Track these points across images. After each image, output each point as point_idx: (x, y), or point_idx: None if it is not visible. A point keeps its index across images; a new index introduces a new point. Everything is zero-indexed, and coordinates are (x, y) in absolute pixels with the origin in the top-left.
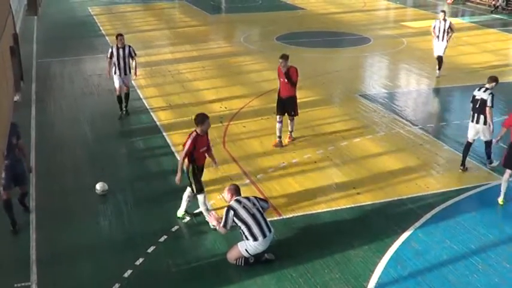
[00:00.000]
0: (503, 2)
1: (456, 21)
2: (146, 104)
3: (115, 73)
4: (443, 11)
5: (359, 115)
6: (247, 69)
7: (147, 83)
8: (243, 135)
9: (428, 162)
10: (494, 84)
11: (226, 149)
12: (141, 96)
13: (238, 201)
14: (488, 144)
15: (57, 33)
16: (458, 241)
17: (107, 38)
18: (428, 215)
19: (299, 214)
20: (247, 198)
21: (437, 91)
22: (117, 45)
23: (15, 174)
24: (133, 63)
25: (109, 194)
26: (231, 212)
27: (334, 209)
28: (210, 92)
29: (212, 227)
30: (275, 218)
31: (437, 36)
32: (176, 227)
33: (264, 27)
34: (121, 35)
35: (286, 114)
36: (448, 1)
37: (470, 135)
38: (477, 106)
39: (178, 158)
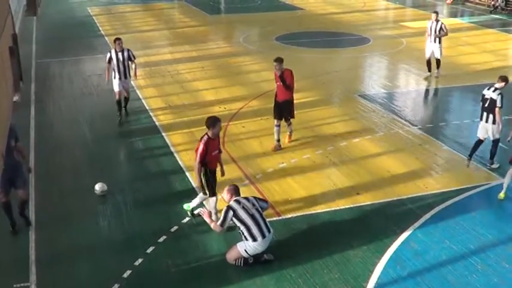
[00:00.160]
0: (503, 2)
1: (455, 21)
2: (145, 105)
3: (114, 77)
4: (436, 12)
5: (358, 115)
6: (247, 70)
7: (147, 84)
8: (243, 136)
9: (428, 162)
10: (503, 84)
11: (225, 149)
12: (140, 96)
13: (237, 201)
14: (495, 143)
15: (56, 34)
16: (457, 241)
17: (106, 38)
18: (427, 215)
19: (298, 214)
20: (247, 198)
21: (436, 91)
22: (115, 49)
23: (12, 178)
24: (133, 66)
25: (108, 195)
26: (230, 212)
27: (333, 209)
28: (210, 93)
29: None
30: (274, 219)
31: (430, 37)
32: (175, 228)
33: (263, 27)
34: (119, 39)
35: (283, 118)
36: (447, 1)
37: (481, 134)
38: (486, 105)
39: (195, 164)
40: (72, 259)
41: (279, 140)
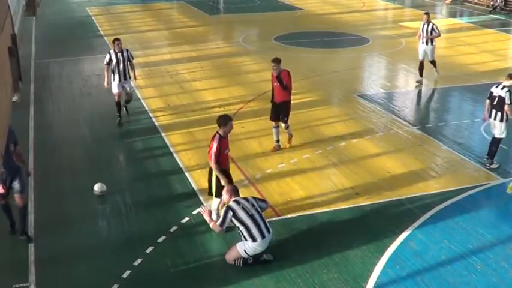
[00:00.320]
0: (502, 2)
1: (454, 21)
2: (145, 105)
3: (113, 79)
4: (427, 13)
5: (357, 115)
6: (246, 70)
7: (146, 84)
8: (242, 136)
9: (427, 162)
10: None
11: None
12: (140, 96)
13: (237, 202)
14: (497, 141)
15: (55, 34)
16: (456, 241)
17: (105, 38)
18: (426, 216)
19: (298, 215)
20: (246, 199)
21: (435, 91)
22: (114, 50)
23: (12, 182)
24: (132, 66)
25: (107, 195)
26: (230, 213)
27: (332, 209)
28: (209, 93)
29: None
30: (274, 219)
31: (422, 39)
32: (175, 228)
33: (263, 27)
34: (118, 39)
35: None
36: (446, 1)
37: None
38: (494, 103)
39: (211, 165)
40: (72, 259)
41: (278, 141)
